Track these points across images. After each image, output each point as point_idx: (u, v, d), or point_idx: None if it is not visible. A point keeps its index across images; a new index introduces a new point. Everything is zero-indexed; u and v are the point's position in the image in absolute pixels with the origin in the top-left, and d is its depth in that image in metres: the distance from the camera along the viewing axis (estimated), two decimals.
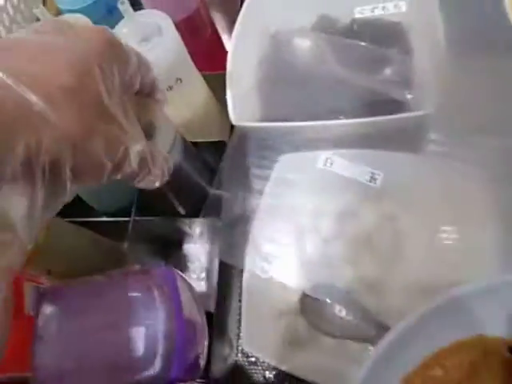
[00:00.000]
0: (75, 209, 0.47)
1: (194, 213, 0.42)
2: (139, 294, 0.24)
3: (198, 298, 0.30)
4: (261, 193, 0.41)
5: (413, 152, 0.38)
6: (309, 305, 0.41)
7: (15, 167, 0.17)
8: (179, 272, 0.28)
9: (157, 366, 0.23)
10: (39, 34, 0.21)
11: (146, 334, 0.23)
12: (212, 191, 0.41)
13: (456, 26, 0.41)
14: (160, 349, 0.23)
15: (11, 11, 0.43)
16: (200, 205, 0.41)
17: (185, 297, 0.26)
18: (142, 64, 0.25)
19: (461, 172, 0.37)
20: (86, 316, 0.24)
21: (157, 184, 0.25)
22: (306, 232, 0.42)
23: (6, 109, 0.17)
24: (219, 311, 0.40)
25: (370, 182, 0.38)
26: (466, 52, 0.39)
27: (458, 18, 0.41)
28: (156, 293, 0.24)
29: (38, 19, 0.45)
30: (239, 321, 0.46)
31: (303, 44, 0.47)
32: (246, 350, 0.38)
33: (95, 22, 0.43)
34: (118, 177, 0.22)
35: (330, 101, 0.41)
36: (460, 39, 0.40)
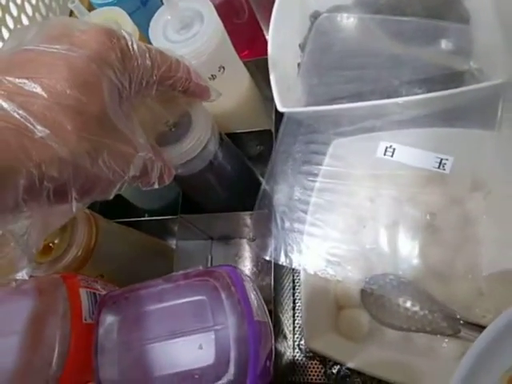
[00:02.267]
0: (122, 210, 0.47)
1: (245, 206, 0.41)
2: (205, 297, 0.22)
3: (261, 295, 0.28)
4: (314, 180, 0.39)
5: (485, 129, 0.34)
6: (371, 297, 0.39)
7: (17, 199, 0.16)
8: (243, 270, 0.26)
9: (231, 374, 0.21)
10: (42, 44, 0.19)
11: (217, 340, 0.21)
12: (264, 183, 0.39)
13: None
14: (233, 355, 0.21)
15: (43, 10, 0.42)
16: (251, 198, 0.39)
17: (252, 297, 0.24)
18: (166, 62, 0.24)
19: None
20: (149, 323, 0.23)
21: (156, 186, 0.25)
22: (363, 220, 0.39)
23: (6, 143, 0.16)
24: (275, 307, 0.38)
25: (439, 168, 0.35)
26: None
27: None
28: (223, 295, 0.22)
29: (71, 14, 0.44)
30: (293, 315, 0.44)
31: (347, 21, 0.44)
32: (309, 347, 0.36)
33: (130, 14, 0.41)
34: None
35: (383, 79, 0.38)
36: None
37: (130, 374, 0.22)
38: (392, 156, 0.36)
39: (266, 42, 0.44)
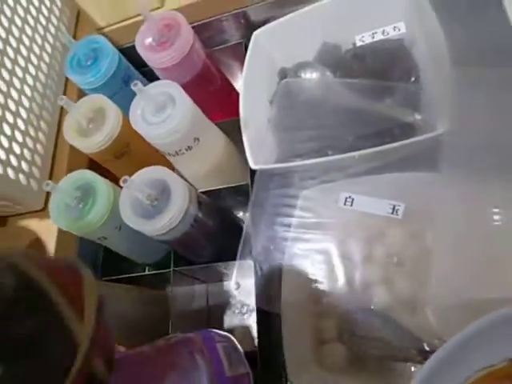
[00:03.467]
0: (122, 266, 0.52)
1: (231, 253, 0.45)
2: (183, 360, 0.27)
3: (238, 345, 0.32)
4: (287, 230, 0.44)
5: (431, 171, 0.39)
6: (347, 330, 0.43)
7: None
8: (217, 331, 0.30)
9: None
10: None
11: None
12: (244, 233, 0.43)
13: (459, 39, 0.41)
14: None
15: (39, 99, 0.48)
16: (235, 246, 0.43)
17: (224, 353, 0.28)
18: None
19: (479, 186, 0.38)
20: None
21: None
22: (336, 259, 0.43)
23: None
24: (263, 345, 0.42)
25: (392, 214, 0.39)
26: (472, 63, 0.40)
27: (460, 30, 0.42)
28: (198, 357, 0.27)
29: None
30: (282, 350, 0.48)
31: (309, 79, 0.49)
32: (293, 382, 0.40)
33: (114, 94, 0.47)
34: None
35: (338, 136, 0.43)
36: (464, 51, 0.41)
37: None
38: (351, 205, 0.40)
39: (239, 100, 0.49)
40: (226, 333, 0.31)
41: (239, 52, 0.55)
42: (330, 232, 0.42)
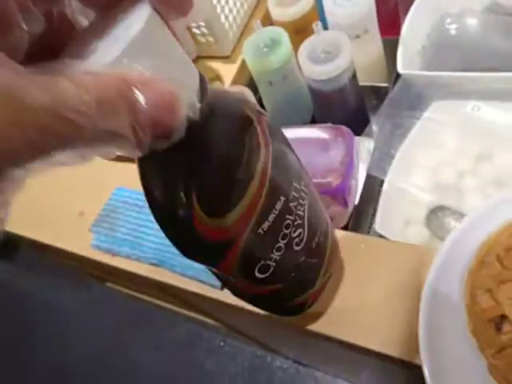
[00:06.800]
0: None
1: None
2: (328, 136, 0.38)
3: None
4: (410, 128, 0.52)
5: None
6: (434, 219, 0.50)
7: None
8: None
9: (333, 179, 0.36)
10: None
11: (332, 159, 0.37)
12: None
13: None
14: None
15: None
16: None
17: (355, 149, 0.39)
18: None
19: None
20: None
21: None
22: (444, 165, 0.51)
23: None
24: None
25: None
26: None
27: None
28: (340, 138, 0.38)
29: None
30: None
31: (471, 23, 0.55)
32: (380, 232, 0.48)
33: None
34: None
35: (493, 68, 0.48)
36: None
37: None
38: (478, 111, 0.47)
39: (399, 26, 0.58)
40: None
41: None
42: (448, 138, 0.50)
